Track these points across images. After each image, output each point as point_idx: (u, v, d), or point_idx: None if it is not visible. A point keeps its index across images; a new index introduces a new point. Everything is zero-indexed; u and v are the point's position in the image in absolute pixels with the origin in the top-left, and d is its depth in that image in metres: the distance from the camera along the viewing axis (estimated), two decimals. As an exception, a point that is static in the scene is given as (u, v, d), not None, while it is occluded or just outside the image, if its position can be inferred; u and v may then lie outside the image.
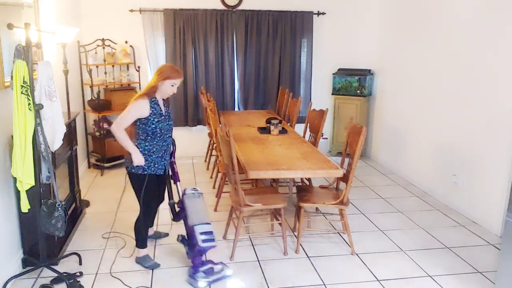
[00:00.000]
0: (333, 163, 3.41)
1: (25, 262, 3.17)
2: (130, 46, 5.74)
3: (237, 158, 3.34)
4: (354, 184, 3.74)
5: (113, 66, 5.67)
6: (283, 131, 4.46)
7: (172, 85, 3.06)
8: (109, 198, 4.65)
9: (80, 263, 3.27)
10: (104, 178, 5.35)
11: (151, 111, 2.99)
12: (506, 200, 3.34)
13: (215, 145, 5.06)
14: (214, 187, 4.89)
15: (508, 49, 3.69)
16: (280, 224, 3.48)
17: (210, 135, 5.55)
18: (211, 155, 5.77)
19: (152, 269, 3.19)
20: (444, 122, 4.57)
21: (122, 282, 3.02)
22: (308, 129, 4.63)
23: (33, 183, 2.82)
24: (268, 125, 4.46)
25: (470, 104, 4.17)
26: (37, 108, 2.76)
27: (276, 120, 4.46)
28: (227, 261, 3.33)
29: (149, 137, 3.04)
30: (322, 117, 4.20)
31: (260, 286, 3.01)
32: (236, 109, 6.25)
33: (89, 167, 5.76)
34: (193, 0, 5.78)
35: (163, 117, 3.06)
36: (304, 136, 4.69)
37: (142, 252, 3.27)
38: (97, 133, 5.53)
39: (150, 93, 3.04)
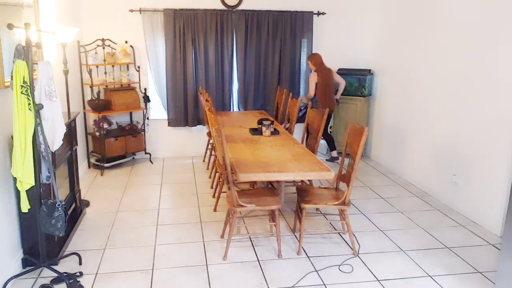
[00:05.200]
0: (325, 165, 3.38)
1: (25, 262, 3.17)
2: (130, 46, 5.75)
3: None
4: (354, 184, 3.75)
5: (113, 66, 5.67)
6: (275, 132, 4.43)
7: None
8: (109, 198, 4.66)
9: (80, 263, 3.27)
10: (104, 178, 5.36)
11: None
12: (506, 200, 3.34)
13: (213, 144, 5.06)
14: (212, 187, 4.89)
15: (508, 50, 3.69)
16: (275, 225, 3.48)
17: (208, 134, 5.55)
18: (210, 154, 5.78)
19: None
20: (444, 122, 4.58)
21: (122, 282, 3.02)
22: (308, 129, 4.62)
23: (33, 183, 2.82)
24: (260, 126, 4.43)
25: (470, 104, 4.17)
26: (37, 108, 2.76)
27: (268, 121, 4.42)
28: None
29: None
30: (322, 117, 4.19)
31: (260, 286, 3.01)
32: (236, 109, 6.25)
33: (89, 167, 5.76)
34: (193, 0, 5.78)
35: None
36: (303, 136, 4.69)
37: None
38: (97, 133, 5.52)
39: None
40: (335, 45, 6.28)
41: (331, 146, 6.06)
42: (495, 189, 3.85)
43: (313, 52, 6.13)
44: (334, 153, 6.02)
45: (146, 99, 5.89)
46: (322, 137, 5.57)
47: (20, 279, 3.03)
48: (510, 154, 3.70)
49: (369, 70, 6.18)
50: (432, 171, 4.79)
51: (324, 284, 3.04)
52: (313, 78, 5.73)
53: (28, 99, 2.69)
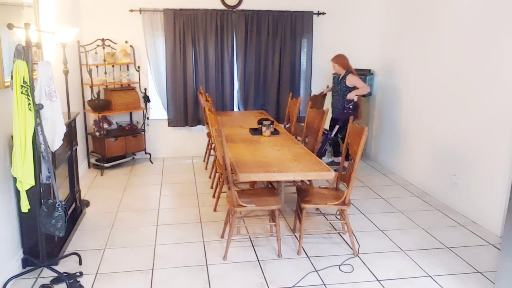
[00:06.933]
0: (325, 165, 3.39)
1: (25, 262, 3.17)
2: (130, 46, 5.74)
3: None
4: (354, 184, 3.75)
5: (113, 66, 5.67)
6: (275, 132, 4.43)
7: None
8: (109, 198, 4.66)
9: (80, 263, 3.27)
10: (104, 178, 5.36)
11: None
12: (506, 200, 3.34)
13: (213, 145, 5.06)
14: (212, 187, 4.89)
15: (508, 50, 3.69)
16: (275, 225, 3.48)
17: (208, 135, 5.56)
18: (209, 155, 5.79)
19: None
20: (444, 122, 4.58)
21: (122, 282, 3.03)
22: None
23: (33, 183, 2.82)
24: (260, 126, 4.42)
25: (470, 104, 4.17)
26: (37, 108, 2.76)
27: (268, 121, 4.42)
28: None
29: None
30: (322, 117, 4.20)
31: (260, 286, 3.01)
32: (236, 109, 6.25)
33: (89, 167, 5.76)
34: (193, 0, 5.78)
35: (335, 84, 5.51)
36: (303, 136, 4.69)
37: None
38: (97, 133, 5.53)
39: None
40: (335, 45, 6.27)
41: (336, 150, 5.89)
42: (495, 189, 3.85)
43: (313, 51, 6.14)
44: (337, 159, 5.84)
45: (146, 99, 5.89)
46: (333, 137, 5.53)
47: (20, 279, 3.03)
48: (510, 154, 3.70)
49: (369, 70, 6.18)
50: (432, 171, 4.79)
51: (324, 284, 3.04)
52: (356, 78, 5.28)
53: (28, 99, 2.69)
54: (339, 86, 5.39)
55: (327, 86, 5.97)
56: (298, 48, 6.11)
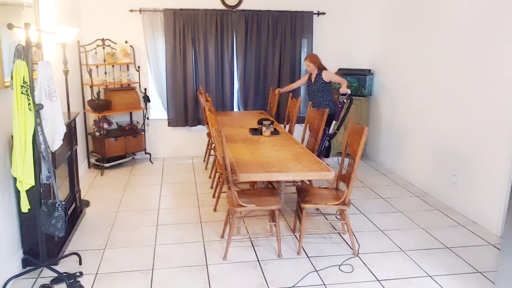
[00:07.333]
0: (325, 165, 3.39)
1: (25, 262, 3.17)
2: (130, 46, 5.75)
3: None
4: (354, 184, 3.75)
5: (113, 66, 5.67)
6: (275, 132, 4.43)
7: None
8: (109, 198, 4.66)
9: (80, 263, 3.27)
10: (104, 178, 5.36)
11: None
12: (506, 200, 3.34)
13: (213, 145, 5.07)
14: (212, 187, 4.89)
15: (508, 50, 3.69)
16: (275, 225, 3.48)
17: (208, 135, 5.56)
18: (209, 155, 5.79)
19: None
20: (444, 122, 4.58)
21: (122, 282, 3.02)
22: (308, 129, 4.62)
23: (33, 183, 2.82)
24: (260, 126, 4.42)
25: (470, 104, 4.17)
26: (37, 108, 2.76)
27: (268, 121, 4.42)
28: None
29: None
30: (323, 117, 4.19)
31: (260, 286, 3.01)
32: (236, 109, 6.25)
33: (89, 167, 5.76)
34: (193, 0, 5.78)
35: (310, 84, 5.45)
36: (303, 136, 4.69)
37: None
38: (97, 133, 5.53)
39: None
40: (335, 45, 6.28)
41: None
42: (495, 189, 3.85)
43: (313, 51, 6.13)
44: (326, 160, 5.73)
45: (146, 99, 5.89)
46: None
47: (20, 279, 3.03)
48: (510, 154, 3.70)
49: (369, 70, 6.18)
50: (432, 171, 4.79)
51: (324, 284, 3.04)
52: (331, 72, 5.42)
53: (28, 99, 2.69)
54: (317, 85, 5.33)
55: (271, 89, 5.99)
56: (298, 48, 6.11)
